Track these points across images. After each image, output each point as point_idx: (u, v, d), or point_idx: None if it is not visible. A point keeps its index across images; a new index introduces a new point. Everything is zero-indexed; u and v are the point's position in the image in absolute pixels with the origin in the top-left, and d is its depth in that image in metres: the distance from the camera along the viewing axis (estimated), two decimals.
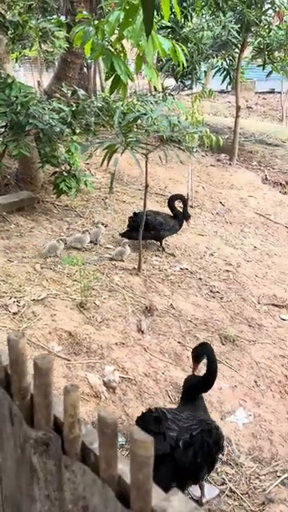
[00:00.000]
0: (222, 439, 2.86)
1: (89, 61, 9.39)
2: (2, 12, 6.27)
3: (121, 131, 4.54)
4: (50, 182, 6.22)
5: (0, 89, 5.37)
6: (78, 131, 5.91)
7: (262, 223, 7.27)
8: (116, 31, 3.70)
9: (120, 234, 5.67)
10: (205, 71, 10.50)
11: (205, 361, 3.21)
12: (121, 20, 3.44)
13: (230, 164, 9.19)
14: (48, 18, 8.56)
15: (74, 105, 5.81)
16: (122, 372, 3.80)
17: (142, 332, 4.28)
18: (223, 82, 9.73)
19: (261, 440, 3.64)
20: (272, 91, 16.58)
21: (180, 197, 5.98)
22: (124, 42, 4.13)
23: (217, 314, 4.81)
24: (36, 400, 1.25)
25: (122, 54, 4.10)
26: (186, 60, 6.97)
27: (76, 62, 8.50)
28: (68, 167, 5.87)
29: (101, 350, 3.90)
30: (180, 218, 5.80)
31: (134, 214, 5.69)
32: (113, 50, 4.07)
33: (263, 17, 8.48)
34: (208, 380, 3.12)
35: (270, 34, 8.88)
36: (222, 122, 11.66)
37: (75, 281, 4.60)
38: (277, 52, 9.38)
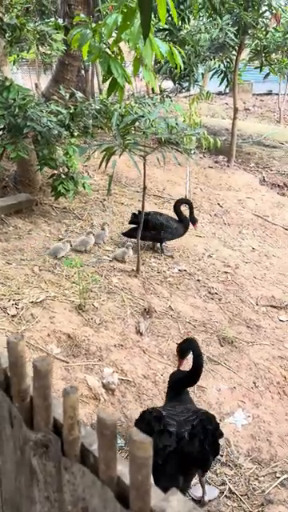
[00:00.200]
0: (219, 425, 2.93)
1: (86, 63, 9.41)
2: (0, 15, 6.28)
3: (119, 133, 4.56)
4: (48, 184, 6.23)
5: None
6: (76, 134, 5.92)
7: (260, 225, 7.28)
8: (114, 34, 3.72)
9: (122, 233, 5.69)
10: (202, 73, 10.51)
11: (191, 355, 3.28)
12: (119, 23, 3.45)
13: (228, 166, 9.21)
14: (46, 20, 8.58)
15: (72, 107, 5.82)
16: (120, 374, 3.80)
17: (141, 334, 4.29)
18: (221, 84, 9.75)
19: (260, 441, 3.65)
20: (269, 93, 16.62)
21: (186, 201, 5.98)
22: (121, 44, 4.15)
23: (215, 316, 4.82)
24: (35, 402, 1.26)
25: (119, 57, 4.11)
26: (184, 62, 6.99)
27: (74, 65, 8.53)
28: (66, 169, 5.88)
29: (99, 352, 3.91)
30: (186, 222, 5.78)
31: (139, 212, 5.64)
32: (110, 52, 4.09)
33: (260, 19, 8.50)
34: (194, 375, 3.20)
35: (267, 36, 8.91)
36: (219, 124, 11.67)
37: (74, 283, 4.60)
38: (274, 54, 9.42)
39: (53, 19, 8.84)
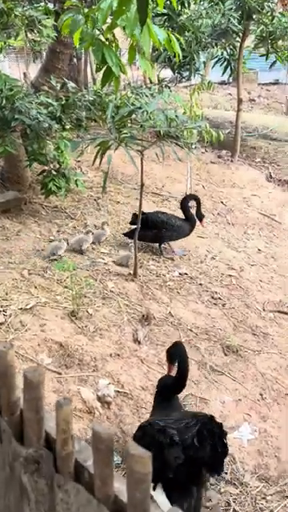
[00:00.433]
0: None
1: (79, 51, 9.43)
2: None
3: (114, 126, 4.57)
4: (38, 181, 6.24)
5: None
6: (67, 127, 5.92)
7: (267, 224, 7.31)
8: (108, 19, 3.72)
9: (124, 234, 5.71)
10: (204, 61, 10.52)
11: None
12: (114, 8, 3.46)
13: (232, 161, 9.23)
14: (35, 5, 8.58)
15: (64, 98, 5.83)
16: (117, 386, 3.81)
17: (139, 342, 4.30)
18: (224, 73, 9.77)
19: (267, 457, 3.66)
20: (276, 82, 16.66)
21: (194, 197, 6.01)
22: (116, 31, 4.16)
23: (219, 323, 4.83)
24: (26, 415, 1.27)
25: (113, 45, 4.12)
26: (184, 50, 7.02)
27: (65, 53, 8.54)
28: (57, 165, 5.89)
29: (94, 362, 3.91)
30: (193, 221, 5.80)
31: (142, 213, 5.65)
32: (104, 39, 4.10)
33: (266, 3, 8.52)
34: (179, 380, 3.29)
35: (273, 21, 8.92)
36: (222, 116, 11.71)
37: (66, 288, 4.61)
38: (281, 40, 9.43)
39: (42, 4, 8.83)
